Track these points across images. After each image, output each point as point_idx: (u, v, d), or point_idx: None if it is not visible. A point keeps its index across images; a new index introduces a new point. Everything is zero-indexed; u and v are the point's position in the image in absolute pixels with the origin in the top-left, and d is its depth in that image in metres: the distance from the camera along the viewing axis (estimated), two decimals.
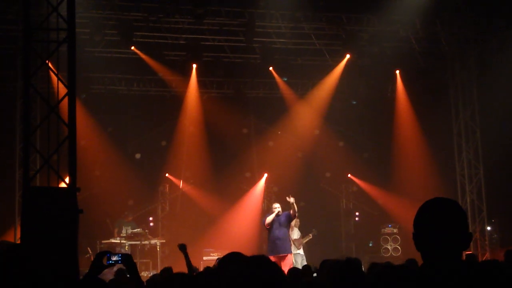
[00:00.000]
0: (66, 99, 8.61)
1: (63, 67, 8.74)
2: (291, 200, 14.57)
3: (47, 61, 9.25)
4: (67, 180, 8.57)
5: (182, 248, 8.77)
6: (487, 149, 19.42)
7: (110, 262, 4.62)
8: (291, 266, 13.77)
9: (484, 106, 19.48)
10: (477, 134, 19.64)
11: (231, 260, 4.48)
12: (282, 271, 3.10)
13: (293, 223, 16.90)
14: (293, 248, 17.23)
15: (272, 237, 14.69)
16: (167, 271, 8.88)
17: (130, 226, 18.71)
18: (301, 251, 17.40)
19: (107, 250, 4.84)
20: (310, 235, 18.29)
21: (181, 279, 5.19)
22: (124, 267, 4.82)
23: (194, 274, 7.82)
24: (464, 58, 19.72)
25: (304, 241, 18.02)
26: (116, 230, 18.69)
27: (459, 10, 18.81)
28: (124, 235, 18.32)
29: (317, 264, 9.30)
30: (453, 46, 19.77)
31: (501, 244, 19.34)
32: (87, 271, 4.72)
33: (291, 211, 14.63)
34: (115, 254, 4.63)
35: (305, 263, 16.41)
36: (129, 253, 17.53)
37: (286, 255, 14.47)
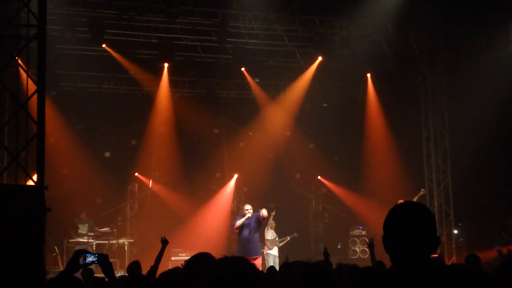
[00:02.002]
0: (35, 96, 8.52)
1: (33, 64, 8.65)
2: (263, 212, 14.57)
3: (16, 57, 9.15)
4: (35, 177, 8.48)
5: (164, 242, 8.75)
6: (455, 154, 19.64)
7: (87, 262, 4.59)
8: (261, 268, 13.80)
9: (453, 111, 19.70)
10: (445, 139, 19.84)
11: (202, 261, 4.46)
12: (262, 273, 3.12)
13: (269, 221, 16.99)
14: (265, 248, 17.26)
15: (242, 239, 14.62)
16: (135, 267, 8.83)
17: (88, 223, 18.48)
18: (273, 252, 17.37)
19: (84, 249, 4.79)
20: (288, 237, 18.26)
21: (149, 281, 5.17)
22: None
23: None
24: (434, 64, 19.93)
25: (281, 243, 18.03)
26: (72, 231, 18.48)
27: (430, 16, 19.01)
28: (84, 233, 18.17)
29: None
30: (423, 51, 19.95)
31: (467, 247, 19.56)
32: (60, 267, 4.67)
33: (260, 214, 14.58)
34: (91, 254, 4.60)
35: (277, 263, 16.45)
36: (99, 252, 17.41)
37: (256, 258, 14.42)
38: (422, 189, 18.03)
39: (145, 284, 5.71)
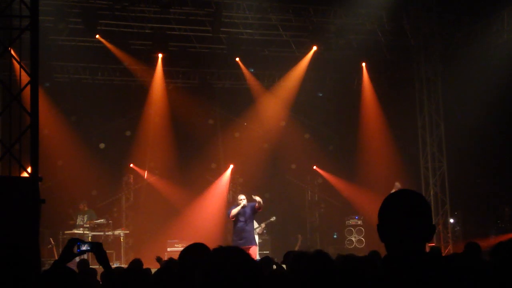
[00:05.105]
0: (28, 87, 8.47)
1: (26, 55, 8.59)
2: (257, 198, 14.49)
3: (9, 49, 9.09)
4: (29, 169, 8.44)
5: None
6: (450, 142, 19.63)
7: (81, 250, 4.54)
8: (256, 257, 13.78)
9: (448, 99, 19.69)
10: (441, 127, 19.83)
11: (196, 252, 4.43)
12: (256, 262, 3.09)
13: None
14: None
15: (237, 228, 14.64)
16: (136, 263, 8.81)
17: (87, 214, 18.47)
18: None
19: (77, 238, 4.74)
20: (263, 224, 17.71)
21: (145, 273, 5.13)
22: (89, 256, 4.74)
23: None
24: (429, 52, 19.89)
25: (258, 230, 17.09)
26: (71, 222, 18.49)
27: (425, 4, 18.98)
28: (81, 224, 18.16)
29: (280, 255, 9.31)
30: (418, 40, 19.92)
31: (463, 236, 19.58)
32: (56, 259, 4.62)
33: (256, 204, 14.58)
34: (85, 243, 4.55)
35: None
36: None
37: (251, 247, 14.42)
38: (396, 183, 17.50)
39: (140, 275, 5.69)
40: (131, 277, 5.55)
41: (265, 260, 8.84)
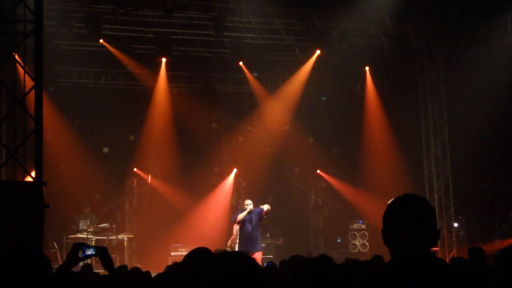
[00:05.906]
0: (32, 92, 8.49)
1: (30, 60, 8.61)
2: (265, 208, 14.45)
3: (13, 53, 9.11)
4: (33, 174, 8.45)
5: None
6: (454, 146, 19.58)
7: (86, 255, 4.55)
8: (260, 264, 13.75)
9: (452, 103, 19.65)
10: (445, 131, 19.78)
11: (200, 256, 4.43)
12: (262, 268, 3.09)
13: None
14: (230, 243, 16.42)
15: (243, 234, 14.54)
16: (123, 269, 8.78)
17: (89, 219, 18.50)
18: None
19: (82, 242, 4.74)
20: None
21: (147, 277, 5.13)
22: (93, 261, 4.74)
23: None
24: (433, 56, 19.86)
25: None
26: (73, 227, 18.53)
27: (428, 8, 18.97)
28: (85, 228, 18.18)
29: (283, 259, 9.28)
30: (422, 43, 19.89)
31: (468, 240, 19.51)
32: (60, 263, 4.62)
33: (264, 211, 14.51)
34: (90, 247, 4.55)
35: None
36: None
37: (256, 253, 14.36)
38: None
39: (143, 278, 5.69)
40: (133, 280, 5.55)
41: (282, 264, 8.80)
